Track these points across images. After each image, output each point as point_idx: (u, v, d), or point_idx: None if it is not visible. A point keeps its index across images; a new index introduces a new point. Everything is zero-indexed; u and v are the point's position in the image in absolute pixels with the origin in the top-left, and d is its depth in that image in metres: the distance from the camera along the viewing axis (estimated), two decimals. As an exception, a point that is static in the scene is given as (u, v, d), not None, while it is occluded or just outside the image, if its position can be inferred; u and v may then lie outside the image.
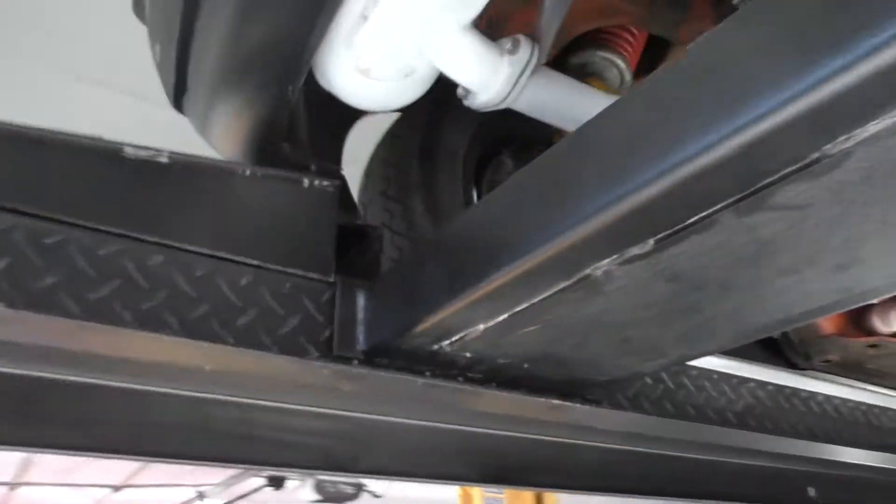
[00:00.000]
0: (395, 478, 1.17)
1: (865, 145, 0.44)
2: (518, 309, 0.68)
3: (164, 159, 0.78)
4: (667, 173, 0.49)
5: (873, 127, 0.43)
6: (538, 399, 0.89)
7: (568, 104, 0.82)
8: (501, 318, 0.70)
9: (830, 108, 0.42)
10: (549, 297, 0.65)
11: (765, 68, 0.44)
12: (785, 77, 0.42)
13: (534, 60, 0.77)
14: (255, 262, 0.79)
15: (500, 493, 2.75)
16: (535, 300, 0.66)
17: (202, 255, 0.76)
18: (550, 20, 0.77)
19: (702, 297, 0.65)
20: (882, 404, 1.54)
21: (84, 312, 0.67)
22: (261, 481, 5.21)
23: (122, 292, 0.70)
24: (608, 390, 0.97)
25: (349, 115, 1.25)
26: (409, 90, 0.84)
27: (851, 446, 1.41)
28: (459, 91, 0.85)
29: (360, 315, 0.83)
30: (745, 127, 0.44)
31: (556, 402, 0.89)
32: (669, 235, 0.55)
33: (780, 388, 1.31)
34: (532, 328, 0.72)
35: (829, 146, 0.44)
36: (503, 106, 0.82)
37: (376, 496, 5.57)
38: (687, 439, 1.22)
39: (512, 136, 1.47)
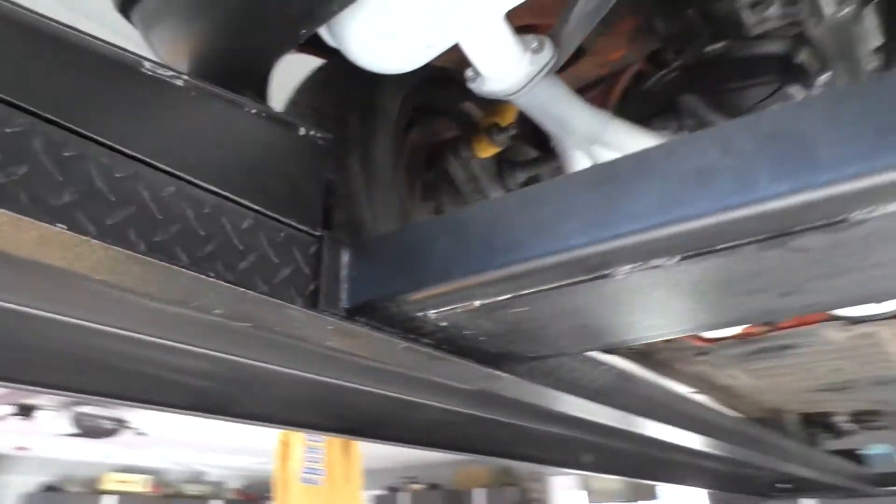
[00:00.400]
0: (266, 424, 1.19)
1: (880, 218, 0.58)
2: (523, 293, 0.76)
3: (179, 82, 0.72)
4: (727, 210, 0.60)
5: (890, 206, 0.57)
6: (483, 369, 0.97)
7: (560, 110, 0.89)
8: (502, 298, 0.77)
9: (874, 188, 0.55)
10: (560, 286, 0.74)
11: (837, 147, 0.56)
12: (853, 156, 0.55)
13: (551, 64, 0.84)
14: (255, 207, 0.77)
15: (320, 442, 2.80)
16: (545, 287, 0.74)
17: (209, 191, 0.73)
18: (575, 31, 0.84)
19: (678, 302, 0.77)
20: (680, 391, 1.86)
21: (102, 237, 0.62)
22: (8, 409, 4.67)
23: (137, 220, 0.65)
24: (525, 364, 1.08)
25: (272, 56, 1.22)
26: (419, 60, 0.86)
27: (659, 422, 1.69)
28: (469, 73, 0.89)
29: (344, 272, 0.84)
30: (808, 188, 0.56)
31: (495, 372, 0.98)
32: (695, 255, 0.66)
33: (622, 372, 1.53)
34: (522, 309, 0.80)
35: (856, 213, 0.58)
36: (508, 98, 0.87)
37: (140, 433, 5.28)
38: (549, 408, 1.38)
39: (425, 105, 1.52)
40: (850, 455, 4.25)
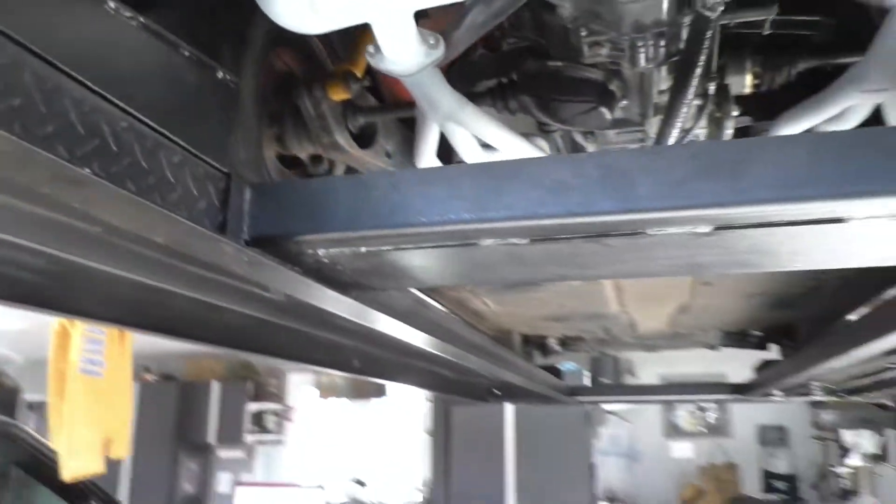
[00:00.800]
0: (87, 320, 1.27)
1: (662, 235, 0.88)
2: (405, 247, 0.95)
3: (134, 23, 0.78)
4: (572, 216, 0.85)
5: (671, 229, 0.87)
6: (335, 294, 1.14)
7: (432, 91, 1.08)
8: (386, 248, 0.96)
9: (664, 219, 0.84)
10: (434, 246, 0.95)
11: (649, 188, 0.83)
12: (657, 196, 0.83)
13: (441, 59, 1.01)
14: (182, 144, 0.86)
15: (102, 333, 2.67)
16: (422, 245, 0.95)
17: (151, 127, 0.80)
18: (464, 37, 1.01)
19: (513, 265, 1.03)
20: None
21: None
22: None
23: (99, 153, 0.72)
24: (363, 292, 1.28)
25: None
26: (333, 27, 0.98)
27: (427, 334, 2.01)
28: (370, 48, 1.02)
29: (246, 208, 0.96)
30: (627, 211, 0.83)
31: (349, 300, 1.17)
32: (541, 240, 0.91)
33: (417, 298, 1.80)
34: (394, 257, 1.00)
35: (650, 230, 0.87)
36: (398, 77, 1.04)
37: None
38: (365, 325, 1.60)
39: (279, 37, 1.57)
40: (552, 370, 5.11)
